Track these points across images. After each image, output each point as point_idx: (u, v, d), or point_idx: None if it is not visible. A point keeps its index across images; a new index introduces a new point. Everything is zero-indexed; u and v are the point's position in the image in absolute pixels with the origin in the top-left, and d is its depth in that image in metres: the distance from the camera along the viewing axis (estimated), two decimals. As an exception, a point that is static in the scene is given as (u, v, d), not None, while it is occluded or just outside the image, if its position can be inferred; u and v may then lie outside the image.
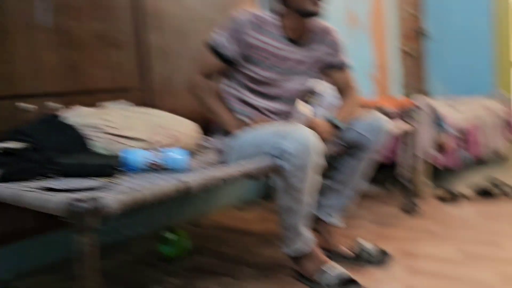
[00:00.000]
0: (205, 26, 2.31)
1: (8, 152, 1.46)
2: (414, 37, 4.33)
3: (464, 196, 2.58)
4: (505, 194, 2.55)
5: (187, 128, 1.95)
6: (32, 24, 1.76)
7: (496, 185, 2.60)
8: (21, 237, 1.77)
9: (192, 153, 1.80)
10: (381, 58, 3.89)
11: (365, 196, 2.53)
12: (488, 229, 2.06)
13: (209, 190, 1.22)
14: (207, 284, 1.62)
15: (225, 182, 1.25)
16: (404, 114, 2.47)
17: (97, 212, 0.95)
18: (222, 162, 1.62)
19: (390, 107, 2.57)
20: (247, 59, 1.62)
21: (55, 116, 1.71)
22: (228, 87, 1.71)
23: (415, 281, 1.56)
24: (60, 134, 1.62)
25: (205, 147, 2.05)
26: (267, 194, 2.68)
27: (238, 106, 1.68)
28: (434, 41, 4.37)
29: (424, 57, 4.45)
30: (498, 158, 3.41)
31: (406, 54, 4.20)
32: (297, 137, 1.36)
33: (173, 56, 2.26)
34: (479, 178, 2.82)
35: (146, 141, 1.71)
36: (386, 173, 2.62)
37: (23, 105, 1.72)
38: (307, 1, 1.57)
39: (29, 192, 1.15)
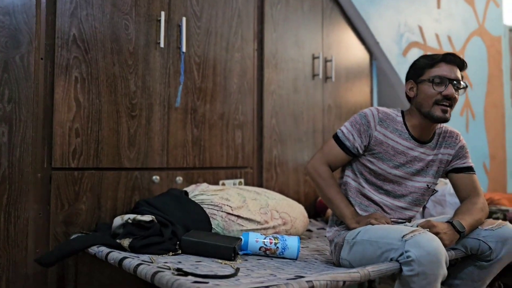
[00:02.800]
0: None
1: (139, 223, 1.53)
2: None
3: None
4: None
5: (297, 212, 2.03)
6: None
7: None
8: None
9: (300, 238, 1.91)
10: (494, 148, 3.73)
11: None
12: None
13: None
14: None
15: (345, 284, 1.16)
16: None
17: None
18: (336, 255, 1.59)
19: (509, 206, 2.41)
20: (373, 154, 1.62)
21: (183, 192, 1.83)
22: (349, 178, 1.68)
23: None
24: (187, 211, 1.71)
25: (312, 232, 2.18)
26: (369, 287, 2.55)
27: (357, 198, 1.66)
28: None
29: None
30: None
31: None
32: (426, 246, 1.27)
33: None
34: None
35: (258, 223, 1.80)
36: (508, 276, 2.25)
37: (154, 177, 1.95)
38: (437, 108, 1.57)
39: (164, 273, 1.13)
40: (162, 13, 1.96)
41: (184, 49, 2.04)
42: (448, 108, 1.58)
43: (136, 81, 1.91)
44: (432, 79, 1.58)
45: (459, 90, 1.61)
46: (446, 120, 1.58)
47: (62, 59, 1.71)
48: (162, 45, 1.96)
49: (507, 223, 1.59)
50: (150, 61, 1.95)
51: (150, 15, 1.96)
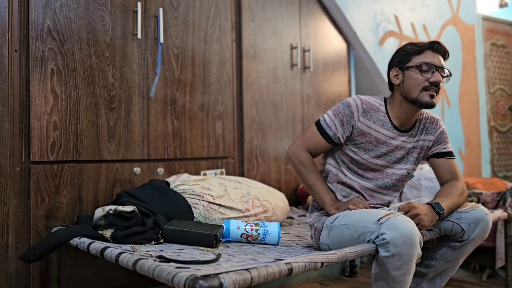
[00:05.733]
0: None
1: (120, 213, 1.54)
2: (507, 114, 4.26)
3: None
4: None
5: (278, 200, 2.06)
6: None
7: None
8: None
9: (281, 225, 1.96)
10: (469, 134, 3.81)
11: (456, 283, 2.39)
12: None
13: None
14: None
15: (323, 265, 1.20)
16: (500, 198, 2.34)
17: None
18: (316, 239, 1.61)
19: (483, 190, 2.47)
20: (356, 144, 1.64)
21: (164, 183, 1.83)
22: (331, 166, 1.70)
23: None
24: (168, 200, 1.72)
25: (293, 219, 2.21)
26: (351, 272, 2.61)
27: (338, 185, 1.68)
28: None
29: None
30: None
31: (497, 131, 4.16)
32: (400, 228, 1.31)
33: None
34: None
35: (240, 211, 1.83)
36: (482, 258, 2.49)
37: (135, 169, 1.96)
38: (425, 94, 1.58)
39: (146, 260, 1.15)
40: (139, 4, 1.95)
41: (161, 40, 2.04)
42: (435, 94, 1.60)
43: (114, 72, 1.90)
44: (420, 65, 1.59)
45: (444, 78, 1.64)
46: (433, 105, 1.60)
47: (37, 51, 1.69)
48: (139, 36, 1.95)
49: (480, 205, 1.65)
50: (128, 52, 1.95)
51: (126, 6, 1.94)
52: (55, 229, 1.65)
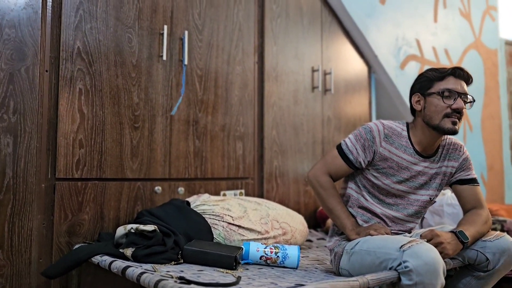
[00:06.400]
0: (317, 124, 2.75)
1: (141, 232, 1.56)
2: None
3: None
4: None
5: (297, 222, 2.06)
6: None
7: None
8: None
9: (300, 248, 1.95)
10: (492, 160, 3.77)
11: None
12: None
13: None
14: None
15: None
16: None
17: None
18: (336, 264, 1.61)
19: (507, 217, 2.43)
20: (377, 169, 1.63)
21: (185, 202, 1.85)
22: (352, 191, 1.70)
23: None
24: (188, 220, 1.74)
25: (311, 242, 2.21)
26: None
27: (359, 210, 1.67)
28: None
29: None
30: None
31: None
32: (424, 256, 1.28)
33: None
34: None
35: (259, 232, 1.83)
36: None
37: (157, 188, 1.98)
38: (447, 120, 1.57)
39: (167, 281, 1.16)
40: (165, 27, 2.00)
41: (186, 61, 2.08)
42: (457, 121, 1.59)
43: (139, 93, 1.94)
44: (442, 92, 1.58)
45: (467, 104, 1.63)
46: (455, 132, 1.58)
47: (66, 71, 1.74)
48: (164, 58, 2.00)
49: (505, 234, 1.61)
50: (153, 73, 1.99)
51: (153, 29, 2.00)
52: (77, 246, 1.67)
